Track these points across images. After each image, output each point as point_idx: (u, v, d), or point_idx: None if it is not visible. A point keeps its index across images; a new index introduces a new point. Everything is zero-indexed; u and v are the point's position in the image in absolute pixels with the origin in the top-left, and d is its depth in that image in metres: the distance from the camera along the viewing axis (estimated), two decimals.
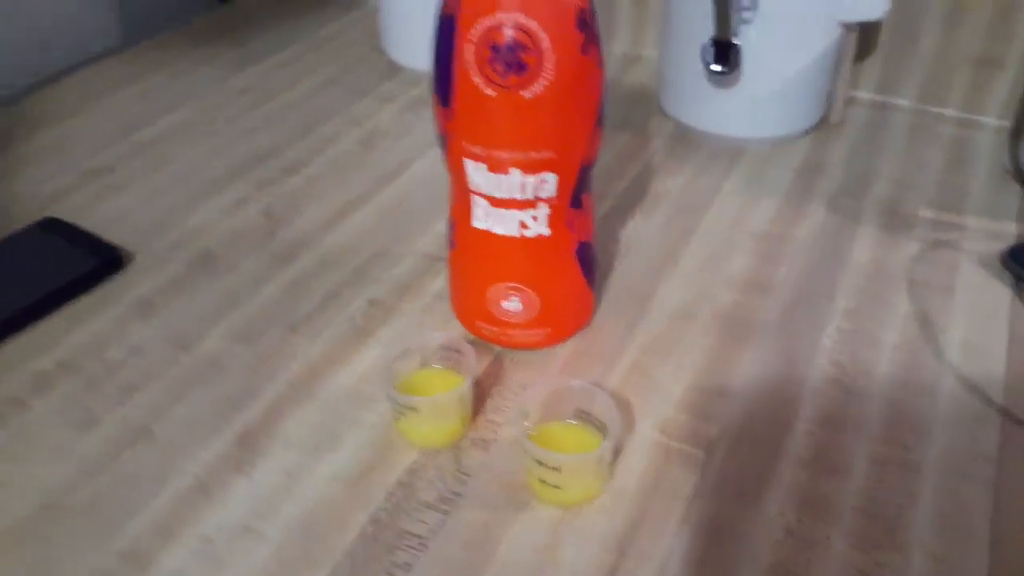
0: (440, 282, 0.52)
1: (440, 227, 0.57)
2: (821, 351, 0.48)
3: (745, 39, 0.60)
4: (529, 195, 0.41)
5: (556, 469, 0.38)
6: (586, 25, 0.38)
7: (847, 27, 0.62)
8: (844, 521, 0.39)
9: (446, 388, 0.42)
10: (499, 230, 0.43)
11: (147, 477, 0.41)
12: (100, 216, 0.58)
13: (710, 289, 0.52)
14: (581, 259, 0.45)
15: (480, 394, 0.45)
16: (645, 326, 0.49)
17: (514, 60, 0.37)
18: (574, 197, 0.43)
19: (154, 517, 0.39)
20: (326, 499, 0.40)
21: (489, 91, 0.38)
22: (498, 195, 0.41)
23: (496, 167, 0.40)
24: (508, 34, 0.37)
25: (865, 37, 0.68)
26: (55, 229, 0.55)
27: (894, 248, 0.55)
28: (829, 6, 0.60)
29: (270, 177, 0.62)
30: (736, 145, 0.66)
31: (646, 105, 0.71)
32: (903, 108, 0.70)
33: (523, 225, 0.42)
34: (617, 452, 0.42)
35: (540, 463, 0.38)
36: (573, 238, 0.44)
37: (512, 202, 0.41)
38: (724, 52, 0.60)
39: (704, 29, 0.60)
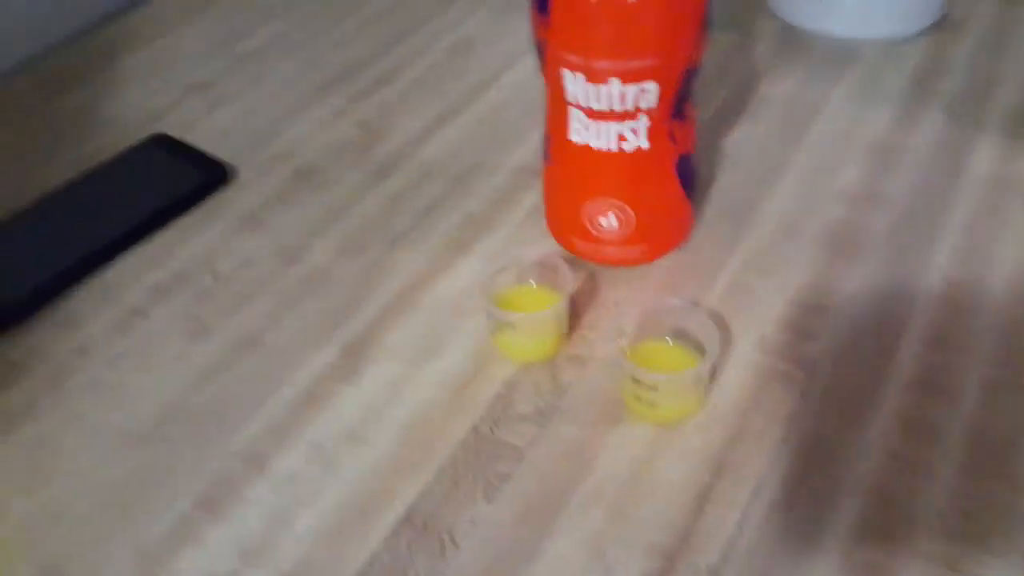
0: (534, 196, 0.52)
1: (535, 139, 0.56)
2: (933, 267, 0.46)
3: None
4: (629, 106, 0.40)
5: (652, 387, 0.38)
6: None
7: None
8: (951, 447, 0.38)
9: (542, 305, 0.42)
10: (596, 144, 0.42)
11: (259, 384, 0.43)
12: (204, 131, 0.59)
13: (817, 202, 0.50)
14: (681, 173, 0.44)
15: (575, 311, 0.45)
16: (747, 241, 0.48)
17: None
18: (676, 107, 0.41)
19: (267, 422, 0.41)
20: (429, 407, 0.41)
21: None
22: (596, 107, 0.40)
23: (595, 77, 0.39)
24: None
25: None
26: (164, 145, 0.57)
27: (1018, 158, 0.52)
28: None
29: (363, 89, 0.62)
30: (848, 47, 0.62)
31: (751, 3, 0.67)
32: None
33: (621, 138, 0.41)
34: (715, 371, 0.41)
35: (637, 381, 0.38)
36: (674, 151, 0.43)
37: (611, 114, 0.40)
38: None
39: None
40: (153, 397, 0.43)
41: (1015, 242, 0.46)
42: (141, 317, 0.47)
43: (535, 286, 0.44)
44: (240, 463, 0.40)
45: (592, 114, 0.41)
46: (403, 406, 0.41)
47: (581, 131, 0.42)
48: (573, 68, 0.39)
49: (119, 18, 0.72)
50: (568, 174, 0.45)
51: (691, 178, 0.45)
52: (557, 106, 0.42)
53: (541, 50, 0.41)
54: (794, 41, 0.63)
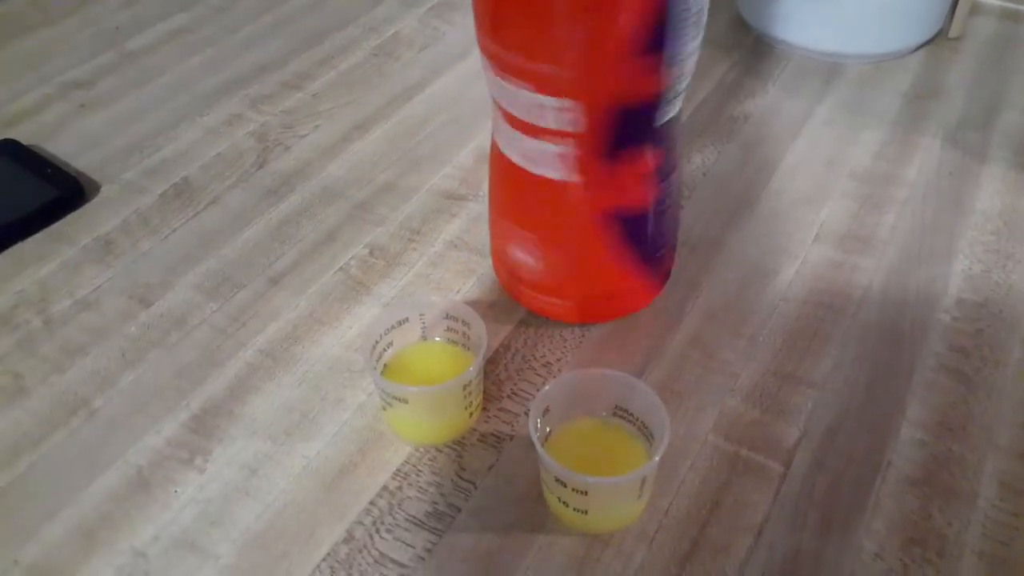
0: (455, 227, 0.43)
1: (461, 159, 0.47)
2: (936, 329, 0.37)
3: None
4: (550, 123, 0.31)
5: (582, 492, 0.28)
6: None
7: None
8: (966, 567, 0.29)
9: (448, 367, 0.33)
10: (519, 160, 0.33)
11: (78, 465, 0.33)
12: (72, 137, 0.50)
13: (795, 242, 0.41)
14: (630, 230, 0.35)
15: (495, 375, 0.35)
16: (709, 289, 0.39)
17: None
18: (612, 145, 0.32)
19: (79, 519, 0.31)
20: (293, 506, 0.31)
21: None
22: (515, 113, 0.32)
23: (506, 70, 0.31)
24: None
25: None
26: (13, 153, 0.47)
27: None
28: None
29: (268, 94, 0.53)
30: (832, 62, 0.54)
31: (722, 11, 0.59)
32: None
33: (543, 159, 0.32)
34: (663, 462, 0.32)
35: (561, 483, 0.28)
36: (611, 198, 0.33)
37: (529, 127, 0.32)
38: None
39: None
40: None
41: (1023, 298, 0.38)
42: None
43: (442, 344, 0.35)
44: None
45: (513, 121, 0.32)
46: (258, 504, 0.31)
47: (510, 141, 0.33)
48: (489, 56, 0.31)
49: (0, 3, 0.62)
50: (494, 188, 0.37)
51: (647, 241, 0.36)
52: (496, 110, 0.34)
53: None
54: (770, 54, 0.55)
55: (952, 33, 0.56)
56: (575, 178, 0.33)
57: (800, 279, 0.39)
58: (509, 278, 0.38)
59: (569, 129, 0.31)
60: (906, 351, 0.36)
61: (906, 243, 0.41)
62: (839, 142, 0.47)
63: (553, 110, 0.30)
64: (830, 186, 0.44)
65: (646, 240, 0.35)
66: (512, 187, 0.35)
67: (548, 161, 0.32)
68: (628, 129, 0.31)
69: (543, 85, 0.30)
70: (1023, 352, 0.36)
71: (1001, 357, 0.36)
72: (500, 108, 0.33)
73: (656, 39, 0.29)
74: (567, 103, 0.30)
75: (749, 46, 0.55)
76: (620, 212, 0.34)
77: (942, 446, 0.33)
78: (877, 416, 0.34)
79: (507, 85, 0.31)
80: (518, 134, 0.32)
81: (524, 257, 0.36)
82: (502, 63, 0.31)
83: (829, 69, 0.53)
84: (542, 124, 0.31)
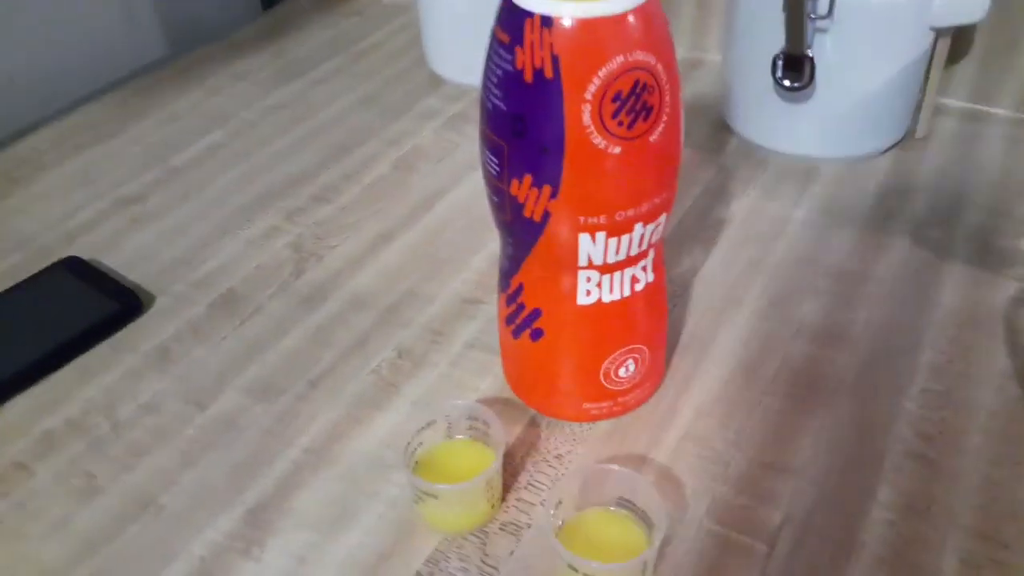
0: (473, 329, 0.48)
1: (475, 265, 0.52)
2: (904, 417, 0.42)
3: (820, 50, 0.53)
4: (645, 246, 0.37)
5: None
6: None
7: (940, 33, 0.55)
8: None
9: (472, 464, 0.37)
10: (609, 297, 0.37)
11: (148, 558, 0.38)
12: (127, 250, 0.55)
13: (778, 339, 0.46)
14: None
15: (512, 467, 0.40)
16: (702, 383, 0.44)
17: (641, 105, 0.32)
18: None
19: None
20: None
21: (615, 149, 0.32)
22: (612, 260, 0.36)
23: (617, 229, 0.35)
24: (632, 78, 0.31)
25: (957, 40, 0.60)
26: (75, 270, 0.52)
27: (989, 288, 0.48)
28: (918, 11, 0.53)
29: (300, 206, 0.58)
30: (808, 164, 0.59)
31: (707, 116, 0.65)
32: (1000, 118, 0.63)
33: (635, 280, 0.38)
34: (664, 545, 0.36)
35: (574, 569, 0.33)
36: (664, 272, 0.40)
37: (626, 261, 0.37)
38: (796, 65, 0.54)
39: (773, 38, 0.54)
40: (23, 573, 0.37)
41: (992, 387, 0.43)
42: (24, 473, 0.42)
43: (466, 441, 0.40)
44: None
45: (606, 268, 0.36)
46: None
47: (592, 291, 0.37)
48: (595, 229, 0.35)
49: (48, 124, 0.69)
50: (577, 341, 0.39)
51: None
52: (556, 275, 0.37)
53: (539, 227, 0.35)
54: (752, 157, 0.60)
55: (919, 134, 0.61)
56: (656, 274, 0.39)
57: (782, 374, 0.44)
58: (599, 406, 0.41)
59: (659, 238, 0.37)
60: (877, 438, 0.41)
61: (876, 337, 0.46)
62: (815, 242, 0.52)
63: (651, 231, 0.36)
64: (808, 284, 0.50)
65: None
66: (606, 323, 0.38)
67: (640, 277, 0.38)
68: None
69: (651, 215, 0.35)
70: (981, 438, 0.40)
71: (962, 444, 0.40)
72: (590, 267, 0.36)
73: None
74: (662, 217, 0.36)
75: (731, 151, 0.61)
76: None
77: (909, 527, 0.37)
78: (851, 499, 0.38)
79: (614, 240, 0.35)
80: (610, 276, 0.37)
81: (627, 371, 0.40)
82: (616, 225, 0.35)
83: (806, 171, 0.59)
84: (639, 251, 0.36)
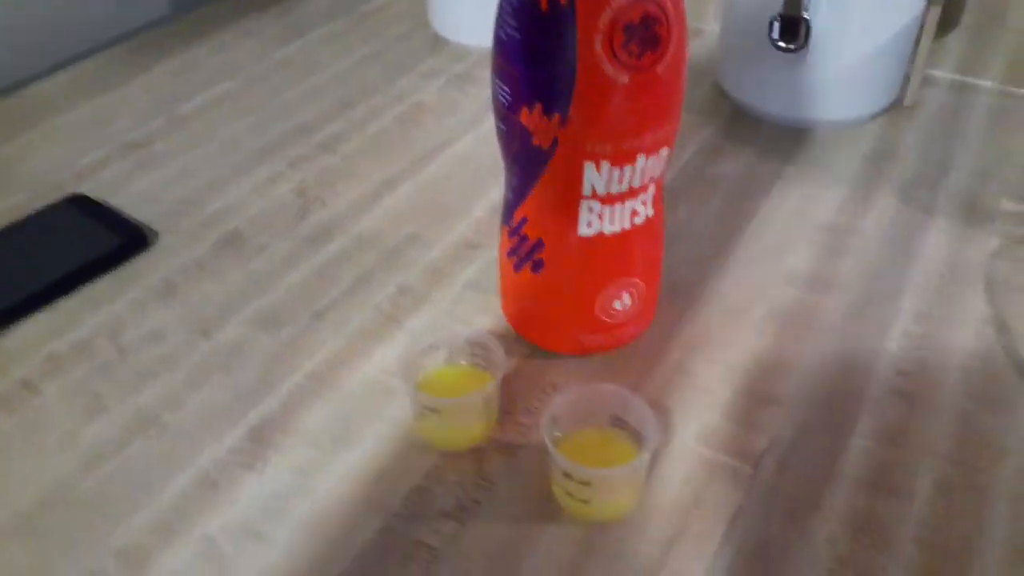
0: (472, 271, 0.49)
1: (476, 213, 0.54)
2: (885, 357, 0.43)
3: (815, 13, 0.55)
4: (647, 179, 0.38)
5: (585, 483, 0.34)
6: None
7: (931, 1, 0.57)
8: (903, 551, 0.35)
9: (471, 387, 0.39)
10: (610, 229, 0.39)
11: (154, 470, 0.39)
12: (133, 192, 0.56)
13: (766, 284, 0.48)
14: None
15: (509, 394, 0.42)
16: (692, 323, 0.46)
17: (650, 36, 0.33)
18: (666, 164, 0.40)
19: (157, 513, 0.37)
20: (338, 501, 0.37)
21: (623, 78, 0.34)
22: (615, 190, 0.37)
23: (622, 159, 0.36)
24: (642, 9, 0.33)
25: (945, 11, 0.62)
26: (82, 206, 0.53)
27: (971, 243, 0.50)
28: None
29: (306, 154, 0.60)
30: (800, 128, 0.61)
31: (703, 83, 0.66)
32: (985, 89, 0.64)
33: (634, 213, 0.39)
34: (654, 463, 0.38)
35: (568, 476, 0.34)
36: (663, 209, 0.42)
37: (628, 192, 0.38)
38: (792, 27, 0.56)
39: (771, 2, 0.55)
40: (33, 484, 0.39)
41: (969, 331, 0.44)
42: (31, 392, 0.43)
43: (466, 366, 0.41)
44: (119, 562, 0.35)
45: (608, 199, 0.38)
46: (309, 499, 0.37)
47: (593, 221, 0.38)
48: (599, 158, 0.36)
49: (59, 73, 0.70)
50: (576, 272, 0.41)
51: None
52: (560, 205, 0.38)
53: (548, 154, 0.36)
54: (745, 120, 0.62)
55: (907, 102, 0.63)
56: (656, 208, 0.40)
57: (771, 315, 0.46)
58: (595, 337, 0.43)
59: (660, 172, 0.38)
60: (859, 374, 0.42)
61: (861, 285, 0.48)
62: (805, 199, 0.54)
63: (653, 163, 0.37)
64: (797, 236, 0.51)
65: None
66: (605, 256, 0.40)
67: (640, 210, 0.39)
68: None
69: (654, 146, 0.36)
70: (957, 375, 0.42)
71: (939, 379, 0.42)
72: (594, 197, 0.37)
73: None
74: (664, 150, 0.37)
75: (727, 114, 0.63)
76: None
77: (886, 453, 0.39)
78: (833, 428, 0.40)
79: (618, 170, 0.36)
80: (611, 207, 0.38)
81: (623, 304, 0.41)
82: (621, 154, 0.36)
83: (797, 134, 0.60)
84: (641, 183, 0.37)
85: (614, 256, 0.40)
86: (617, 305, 0.42)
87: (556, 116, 0.35)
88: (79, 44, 0.74)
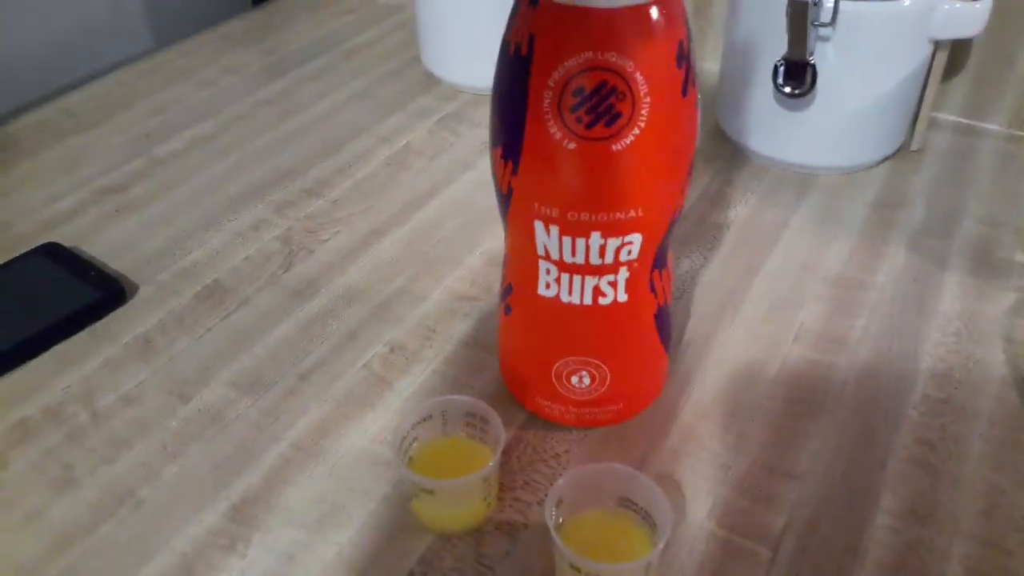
0: (467, 326, 0.47)
1: (470, 263, 0.51)
2: (906, 424, 0.41)
3: (821, 58, 0.53)
4: (609, 260, 0.35)
5: None
6: (685, 60, 0.31)
7: (938, 45, 0.55)
8: None
9: (469, 464, 0.36)
10: (568, 299, 0.36)
11: (127, 553, 0.36)
12: (109, 239, 0.54)
13: (776, 342, 0.46)
14: (660, 326, 0.39)
15: (508, 466, 0.39)
16: (701, 387, 0.43)
17: (604, 108, 0.31)
18: (658, 257, 0.36)
19: None
20: None
21: (570, 144, 0.31)
22: (569, 260, 0.35)
23: (572, 229, 0.34)
24: (598, 77, 0.30)
25: (952, 55, 0.60)
26: (55, 256, 0.50)
27: (986, 299, 0.48)
28: (918, 23, 0.53)
29: (291, 199, 0.57)
30: (805, 173, 0.59)
31: (704, 124, 0.64)
32: (993, 133, 0.63)
33: (599, 292, 0.36)
34: (665, 548, 0.35)
35: (576, 569, 0.32)
36: (653, 302, 0.38)
37: (586, 268, 0.35)
38: (797, 72, 0.54)
39: (773, 46, 0.54)
40: None
41: (991, 396, 0.42)
42: None
43: (463, 439, 0.39)
44: None
45: (566, 267, 0.35)
46: None
47: (551, 284, 0.36)
48: (547, 220, 0.34)
49: (28, 112, 0.67)
50: (535, 329, 0.39)
51: (668, 330, 0.41)
52: (523, 257, 0.36)
53: (507, 199, 0.35)
54: (748, 165, 0.60)
55: (913, 146, 0.61)
56: (631, 296, 0.36)
57: (782, 377, 0.44)
58: (552, 406, 0.40)
59: (631, 259, 0.35)
60: (879, 444, 0.40)
61: (876, 344, 0.45)
62: (813, 249, 0.52)
63: (616, 248, 0.34)
64: (806, 290, 0.49)
65: (669, 329, 0.41)
66: (563, 324, 0.37)
67: (606, 291, 0.35)
68: (668, 239, 0.36)
69: (614, 229, 0.33)
70: (982, 445, 0.40)
71: (963, 450, 0.40)
72: (548, 259, 0.35)
73: (693, 157, 0.35)
74: (633, 237, 0.34)
75: (728, 157, 0.61)
76: (661, 311, 0.39)
77: (912, 533, 0.36)
78: (854, 504, 0.37)
79: (569, 239, 0.34)
80: (570, 277, 0.35)
81: (580, 381, 0.39)
82: (569, 225, 0.33)
83: (802, 180, 0.58)
84: (601, 263, 0.34)
85: (570, 328, 0.37)
86: (574, 381, 0.39)
87: (510, 163, 0.33)
88: (50, 84, 0.71)
